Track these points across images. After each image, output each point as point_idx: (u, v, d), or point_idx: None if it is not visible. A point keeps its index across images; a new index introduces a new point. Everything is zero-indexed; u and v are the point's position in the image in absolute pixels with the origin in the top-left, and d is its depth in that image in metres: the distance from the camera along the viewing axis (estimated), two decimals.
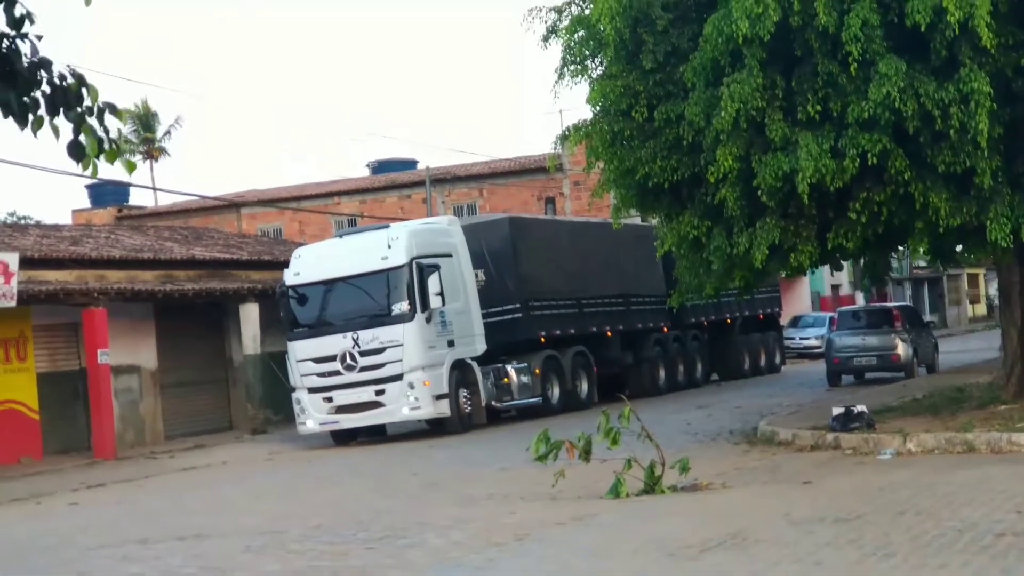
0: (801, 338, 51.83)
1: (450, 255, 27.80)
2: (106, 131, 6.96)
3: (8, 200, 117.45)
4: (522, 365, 29.25)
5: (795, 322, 53.73)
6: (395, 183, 54.26)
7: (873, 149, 17.20)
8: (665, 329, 35.56)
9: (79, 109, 6.88)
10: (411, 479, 19.31)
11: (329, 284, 27.27)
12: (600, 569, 10.70)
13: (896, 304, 43.20)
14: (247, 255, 36.68)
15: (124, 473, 24.64)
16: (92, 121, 6.91)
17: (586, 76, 20.21)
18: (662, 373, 35.12)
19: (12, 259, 25.86)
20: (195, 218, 53.28)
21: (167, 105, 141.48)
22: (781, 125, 17.65)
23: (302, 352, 27.23)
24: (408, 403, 26.42)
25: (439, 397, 26.67)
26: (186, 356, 32.39)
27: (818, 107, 17.53)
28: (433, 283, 26.45)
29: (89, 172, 7.04)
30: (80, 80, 6.93)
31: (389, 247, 26.68)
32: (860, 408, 19.29)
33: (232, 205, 54.07)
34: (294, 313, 27.62)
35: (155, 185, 59.85)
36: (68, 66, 6.91)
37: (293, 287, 27.66)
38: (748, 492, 14.75)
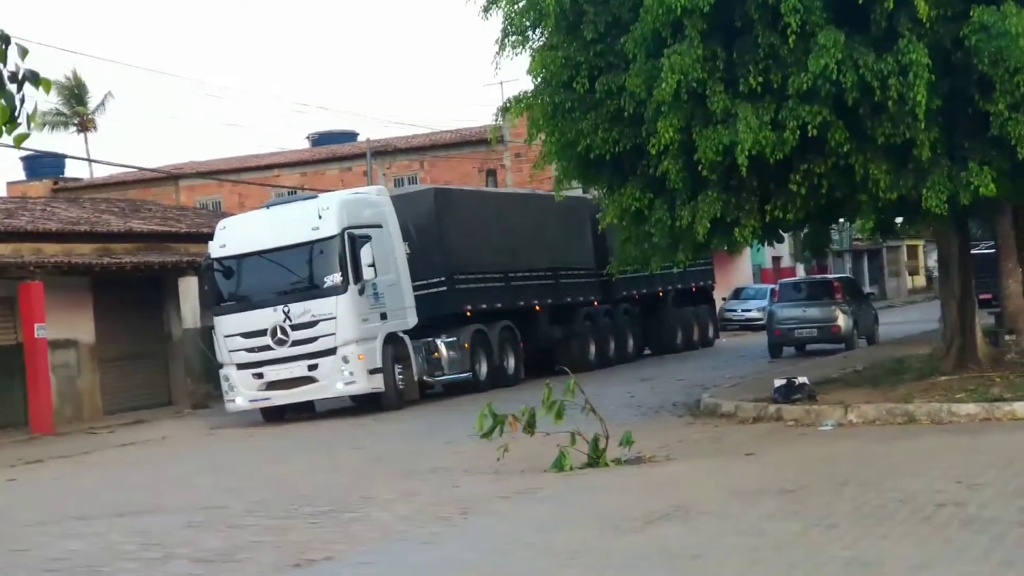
0: (743, 310, 52.08)
1: (380, 226, 27.14)
2: (22, 100, 6.45)
3: None
4: (451, 339, 28.60)
5: (736, 294, 53.98)
6: (335, 155, 54.05)
7: (813, 121, 17.22)
8: (596, 303, 35.02)
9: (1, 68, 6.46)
10: (355, 453, 19.22)
11: (257, 256, 26.42)
12: (545, 542, 10.66)
13: (836, 276, 43.48)
14: (186, 228, 36.36)
15: (62, 449, 24.38)
16: (11, 88, 6.46)
17: (527, 47, 20.08)
18: (592, 348, 34.43)
19: None
20: (133, 190, 52.81)
21: (99, 76, 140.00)
22: (722, 97, 17.62)
23: (229, 327, 26.42)
24: (343, 378, 25.78)
25: (373, 371, 26.04)
26: (124, 330, 32.08)
27: (759, 79, 17.51)
28: (365, 254, 25.84)
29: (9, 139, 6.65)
30: (5, 39, 6.42)
31: (320, 217, 25.96)
32: (801, 380, 19.37)
33: (170, 177, 53.62)
34: (220, 287, 26.83)
35: (91, 157, 59.12)
36: None
37: (219, 259, 26.80)
38: (691, 464, 14.77)
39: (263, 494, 15.15)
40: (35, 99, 6.74)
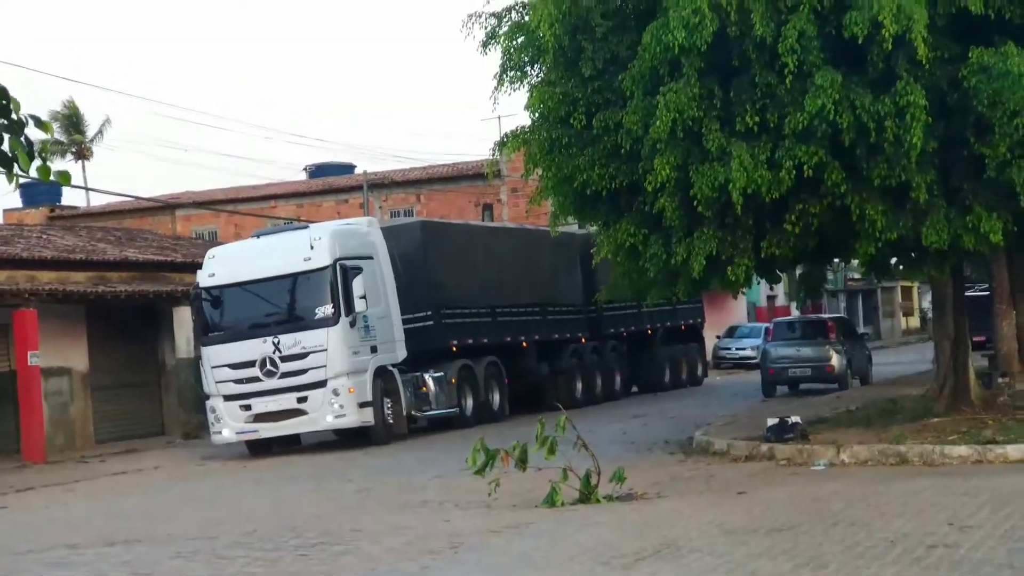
0: (737, 348, 52.11)
1: (371, 257, 26.76)
2: (29, 143, 6.90)
3: None
4: (439, 374, 28.16)
5: (731, 332, 54.00)
6: (332, 187, 54.09)
7: (809, 161, 17.25)
8: (584, 340, 34.58)
9: (4, 122, 6.82)
10: (345, 486, 19.18)
11: (247, 286, 25.98)
12: None
13: (831, 316, 43.50)
14: (181, 257, 36.35)
15: (54, 477, 24.32)
16: (18, 137, 6.84)
17: (525, 83, 20.15)
18: (580, 385, 33.88)
19: None
20: (129, 219, 52.80)
21: (96, 105, 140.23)
22: (718, 135, 17.67)
23: (217, 358, 25.97)
24: (332, 411, 25.36)
25: (363, 405, 25.63)
26: (118, 359, 32.04)
27: (756, 118, 17.55)
28: (357, 286, 25.45)
29: (12, 184, 7.05)
30: (2, 93, 6.87)
31: (311, 248, 25.56)
32: (794, 419, 19.36)
33: (167, 207, 53.65)
34: (208, 316, 26.46)
35: (88, 185, 59.15)
36: None
37: (207, 289, 26.41)
38: (683, 502, 14.75)
39: (253, 525, 15.11)
40: (41, 137, 7.09)
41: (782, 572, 10.11)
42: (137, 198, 49.44)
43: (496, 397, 30.53)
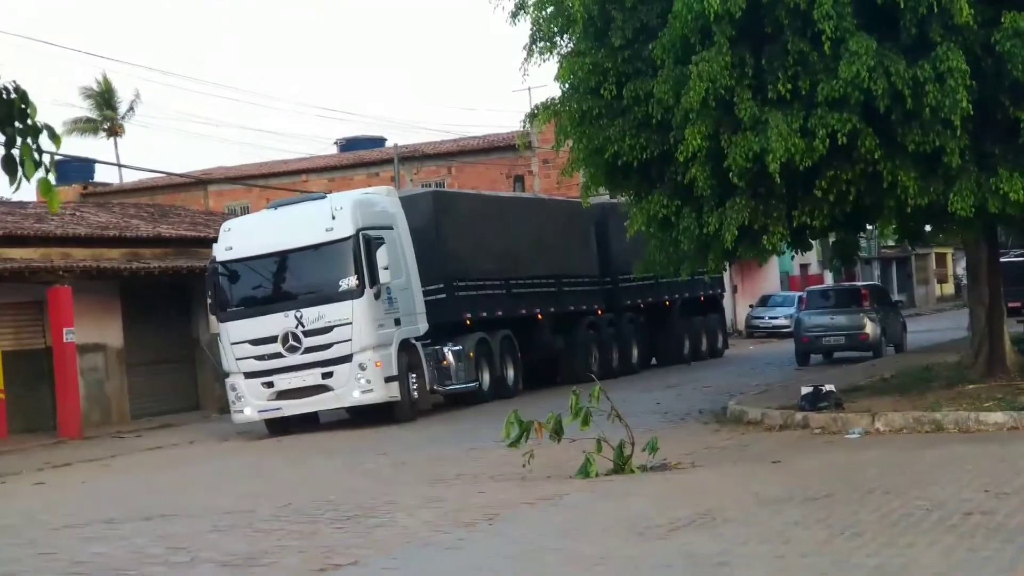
0: (770, 317, 52.03)
1: (391, 227, 25.90)
2: (39, 151, 6.94)
3: None
4: (457, 348, 27.29)
5: (764, 301, 53.92)
6: (363, 161, 54.09)
7: (843, 128, 17.16)
8: (600, 312, 33.92)
9: (18, 125, 6.88)
10: (380, 459, 19.23)
11: (267, 259, 25.19)
12: (570, 548, 10.66)
13: (864, 283, 43.32)
14: (214, 233, 36.23)
15: (90, 453, 24.47)
16: (28, 141, 6.89)
17: (555, 53, 20.10)
18: (595, 358, 32.89)
19: None
20: (161, 195, 52.96)
21: (128, 82, 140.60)
22: (750, 104, 17.59)
23: (237, 334, 25.10)
24: (359, 386, 24.52)
25: (389, 379, 24.81)
26: (152, 335, 32.15)
27: (788, 86, 17.46)
28: (381, 256, 24.60)
29: (13, 188, 7.09)
30: (23, 96, 6.93)
31: (333, 218, 24.69)
32: (828, 388, 19.31)
33: (199, 182, 53.79)
34: (226, 291, 25.56)
35: (120, 162, 59.40)
36: (13, 82, 6.96)
37: (224, 263, 25.56)
38: (717, 472, 14.74)
39: (288, 499, 15.16)
40: (51, 153, 7.17)
41: (817, 541, 10.09)
42: (169, 174, 49.63)
43: (511, 372, 29.71)
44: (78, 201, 47.33)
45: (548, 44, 20.04)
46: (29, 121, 6.92)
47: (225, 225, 26.87)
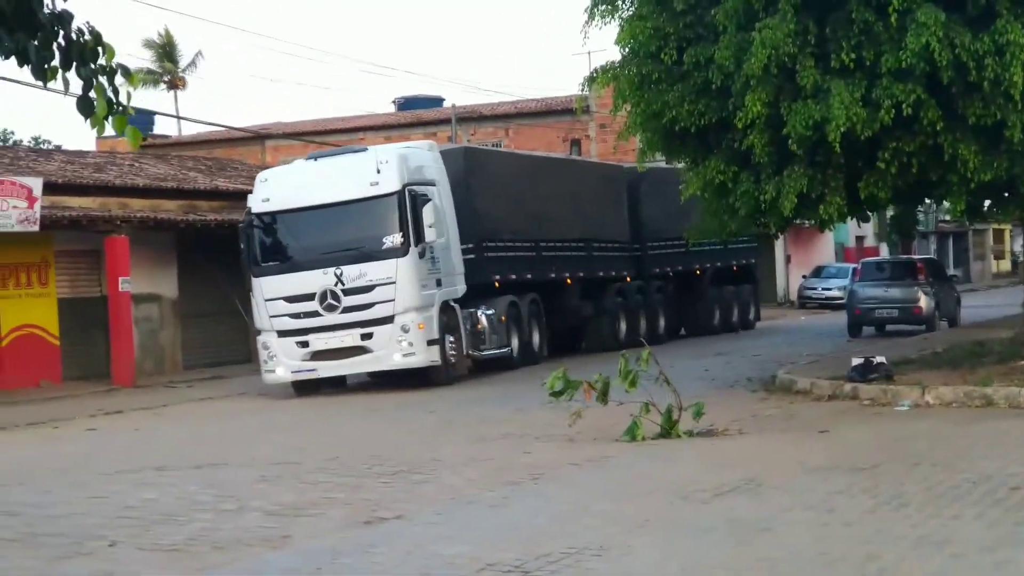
0: (823, 288, 51.81)
1: (434, 183, 24.69)
2: (116, 92, 7.00)
3: (32, 125, 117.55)
4: (491, 312, 26.12)
5: (818, 272, 53.71)
6: (421, 120, 54.15)
7: (907, 99, 17.07)
8: (628, 279, 32.93)
9: (92, 66, 6.95)
10: (427, 417, 19.33)
11: (307, 212, 23.87)
12: (614, 510, 10.70)
13: (920, 257, 43.04)
14: None
15: (142, 401, 24.74)
16: (103, 80, 6.95)
17: (616, 17, 20.03)
18: (623, 327, 31.97)
19: (36, 184, 25.89)
20: (219, 149, 53.20)
21: (190, 34, 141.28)
22: (812, 72, 17.49)
23: (272, 290, 23.92)
24: (400, 349, 23.41)
25: (431, 343, 23.73)
26: (207, 287, 32.39)
27: (852, 55, 17.36)
28: (427, 213, 23.43)
29: (95, 131, 7.15)
30: (97, 38, 7.00)
31: (378, 171, 23.50)
32: (879, 359, 19.22)
33: (257, 137, 53.98)
34: (261, 245, 24.28)
35: (179, 114, 59.67)
36: (87, 23, 7.01)
37: (260, 215, 24.30)
38: (763, 439, 14.74)
39: (335, 452, 15.28)
40: (128, 91, 7.21)
41: (862, 510, 10.08)
42: (228, 128, 49.82)
43: (536, 337, 28.57)
44: (137, 152, 47.65)
45: (609, 7, 19.98)
46: (103, 62, 6.98)
47: (261, 175, 25.47)
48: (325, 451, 15.49)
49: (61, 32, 6.94)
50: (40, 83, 7.03)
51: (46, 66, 6.96)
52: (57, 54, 6.96)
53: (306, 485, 12.91)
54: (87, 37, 6.96)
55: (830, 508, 10.23)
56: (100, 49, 6.98)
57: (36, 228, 25.85)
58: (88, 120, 7.07)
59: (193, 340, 32.26)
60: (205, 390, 26.81)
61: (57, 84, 7.06)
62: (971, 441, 13.74)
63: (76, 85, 7.02)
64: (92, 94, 6.99)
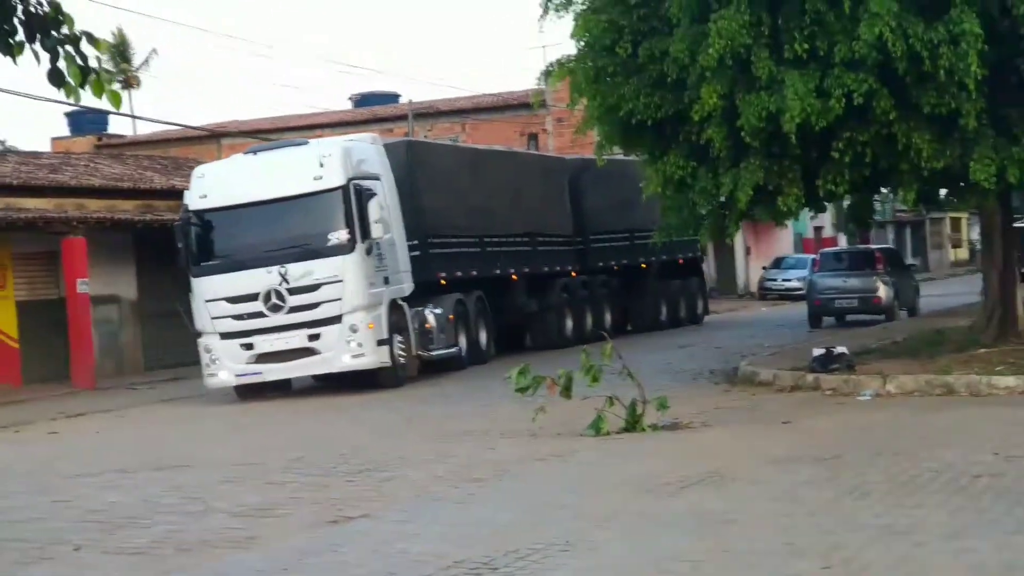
0: (783, 279, 52.02)
1: (378, 177, 23.76)
2: (84, 58, 6.99)
3: None
4: (438, 310, 25.23)
5: (777, 263, 53.90)
6: (377, 116, 54.04)
7: (859, 89, 17.14)
8: (573, 274, 32.05)
9: (55, 34, 6.93)
10: (389, 415, 19.30)
11: (247, 209, 22.82)
12: (580, 504, 10.72)
13: (878, 247, 43.28)
14: None
15: (103, 403, 24.60)
16: (69, 49, 6.95)
17: (571, 10, 20.03)
18: (569, 323, 31.23)
19: None
20: (175, 148, 52.89)
21: (144, 34, 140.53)
22: (767, 63, 17.54)
23: (212, 290, 22.95)
24: (349, 350, 22.49)
25: (380, 343, 22.80)
26: (166, 287, 32.18)
27: (805, 45, 17.41)
28: (373, 208, 22.56)
29: (72, 99, 7.13)
30: (56, 8, 6.98)
31: (321, 165, 22.56)
32: (840, 349, 19.32)
33: (212, 135, 53.70)
34: (200, 244, 23.27)
35: (134, 114, 59.34)
36: None
37: (199, 212, 23.29)
38: (727, 431, 14.79)
39: (300, 452, 15.25)
40: (96, 56, 7.24)
41: (826, 500, 10.14)
42: (183, 126, 49.59)
43: (483, 336, 27.75)
44: (92, 152, 47.38)
45: (564, 1, 19.98)
46: (66, 30, 6.96)
47: (198, 171, 24.34)
48: (289, 451, 15.45)
49: (19, 6, 6.94)
50: (8, 57, 7.04)
51: (11, 41, 6.97)
52: (20, 29, 6.97)
53: (271, 485, 12.89)
54: (46, 8, 6.96)
55: (794, 499, 10.29)
56: (60, 18, 6.97)
57: None
58: (62, 89, 7.06)
59: (153, 341, 32.08)
60: (167, 391, 26.67)
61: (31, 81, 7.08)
62: (933, 430, 13.85)
63: (45, 58, 7.06)
64: (61, 64, 6.99)
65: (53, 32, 6.96)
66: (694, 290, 38.50)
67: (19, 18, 6.97)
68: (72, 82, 7.02)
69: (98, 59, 7.19)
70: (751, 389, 19.17)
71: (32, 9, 6.96)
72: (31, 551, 10.36)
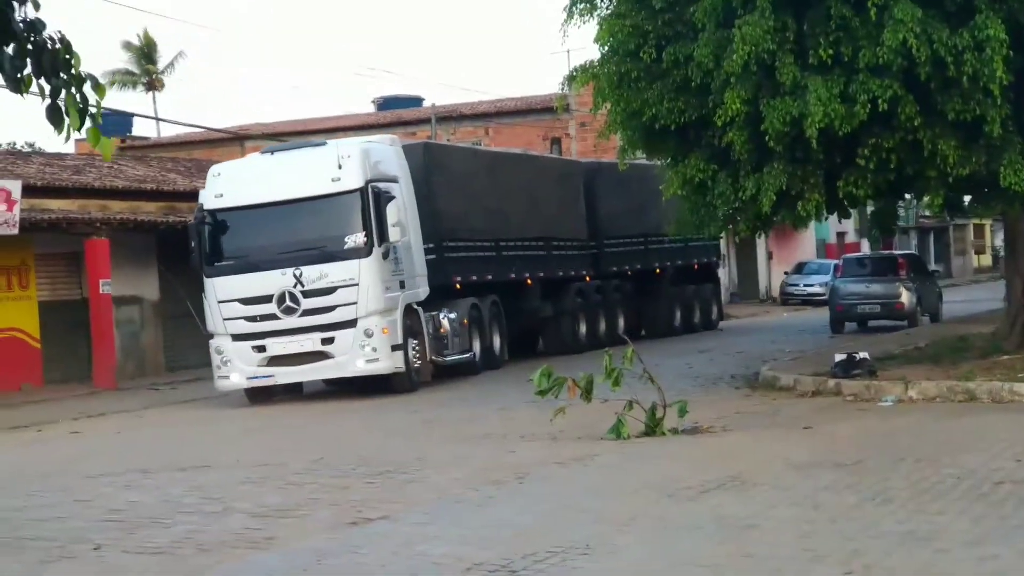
0: (805, 285, 51.91)
1: (396, 180, 23.46)
2: (85, 102, 6.99)
3: (10, 128, 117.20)
4: (453, 315, 24.95)
5: (799, 269, 53.80)
6: (400, 120, 54.09)
7: (884, 95, 17.10)
8: (588, 278, 31.91)
9: (63, 76, 6.95)
10: (410, 417, 19.31)
11: (263, 209, 22.59)
12: (600, 508, 10.71)
13: (901, 252, 43.16)
14: None
15: (125, 404, 24.67)
16: (73, 92, 6.98)
17: (595, 15, 20.04)
18: (583, 327, 31.13)
19: (15, 187, 25.80)
20: (198, 150, 53.06)
21: (170, 36, 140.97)
22: (792, 68, 17.52)
23: (225, 291, 22.70)
24: (364, 355, 22.19)
25: (395, 348, 22.55)
26: (188, 288, 32.25)
27: (829, 51, 17.39)
28: (391, 212, 22.31)
29: (62, 138, 7.16)
30: (67, 47, 7.00)
31: (340, 167, 22.28)
32: (862, 355, 19.29)
33: (236, 138, 53.84)
34: (214, 244, 22.99)
35: (158, 116, 59.59)
36: (58, 31, 7.03)
37: (214, 211, 23.00)
38: (748, 436, 14.76)
39: (320, 453, 15.26)
40: (96, 101, 7.20)
41: (846, 506, 10.11)
42: (206, 129, 49.74)
43: (497, 341, 27.45)
44: (116, 154, 47.53)
45: (588, 5, 19.99)
46: (73, 71, 6.98)
47: (214, 169, 24.00)
48: (309, 452, 15.47)
49: (33, 40, 6.96)
50: (16, 93, 7.04)
51: (20, 75, 6.97)
52: (29, 63, 6.97)
53: (291, 486, 12.90)
54: (57, 46, 6.97)
55: (815, 504, 10.26)
56: (70, 58, 6.98)
57: (15, 231, 25.77)
58: (56, 129, 7.06)
59: (175, 342, 32.16)
60: (188, 392, 26.73)
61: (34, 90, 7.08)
62: (954, 436, 13.80)
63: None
64: (61, 103, 6.99)
65: (62, 74, 6.97)
66: (708, 296, 38.35)
67: (31, 52, 6.97)
68: (73, 126, 7.05)
69: (97, 104, 7.15)
70: (772, 394, 19.13)
71: (47, 44, 6.97)
72: (53, 550, 10.39)
